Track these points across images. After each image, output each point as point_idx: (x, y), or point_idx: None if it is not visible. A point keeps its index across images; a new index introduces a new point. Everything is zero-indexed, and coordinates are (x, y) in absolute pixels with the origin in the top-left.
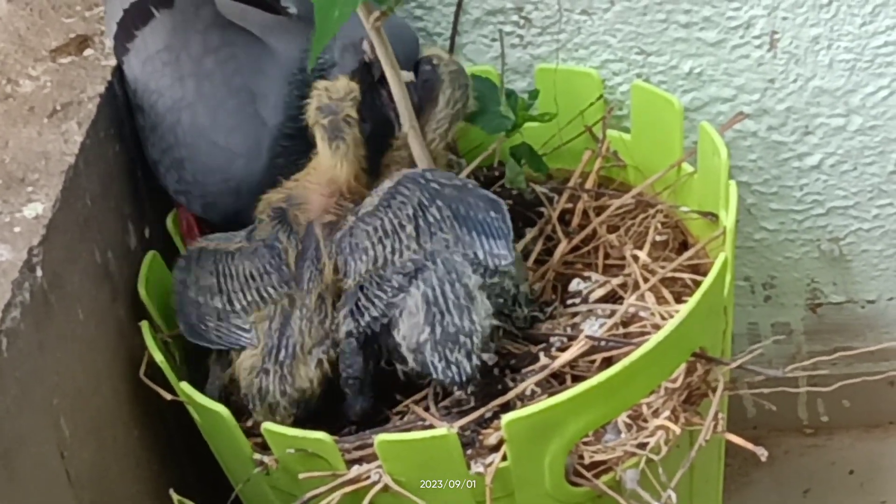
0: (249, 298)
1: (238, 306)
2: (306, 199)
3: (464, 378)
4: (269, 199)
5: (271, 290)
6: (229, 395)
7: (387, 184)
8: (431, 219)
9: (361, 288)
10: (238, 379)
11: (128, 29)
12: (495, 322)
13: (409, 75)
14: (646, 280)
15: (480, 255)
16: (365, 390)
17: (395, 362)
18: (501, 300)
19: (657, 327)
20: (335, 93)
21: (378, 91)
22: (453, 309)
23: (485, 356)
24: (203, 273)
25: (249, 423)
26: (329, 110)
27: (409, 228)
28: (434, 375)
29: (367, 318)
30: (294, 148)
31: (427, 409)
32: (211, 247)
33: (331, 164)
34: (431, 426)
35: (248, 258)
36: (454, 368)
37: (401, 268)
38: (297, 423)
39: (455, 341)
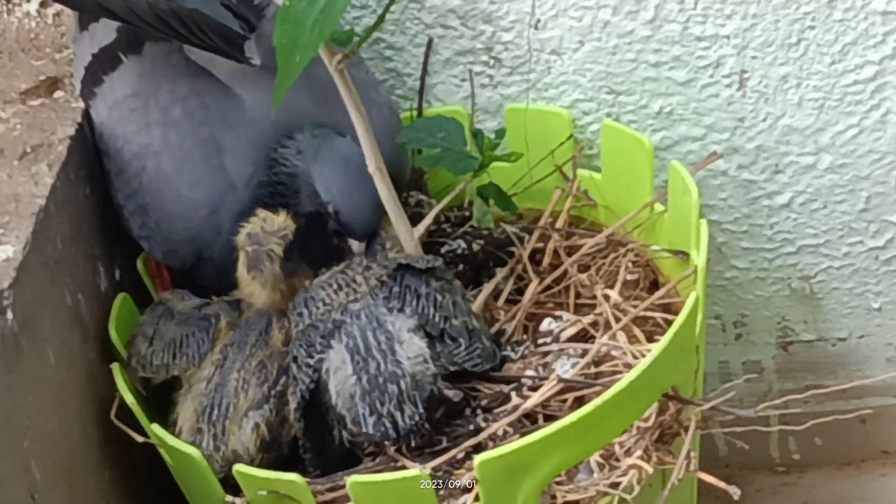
0: (160, 360)
1: (155, 363)
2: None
3: (399, 432)
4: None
5: (180, 359)
6: None
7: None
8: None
9: (295, 359)
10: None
11: (95, 73)
12: (431, 367)
13: (360, 247)
14: (617, 319)
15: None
16: (324, 461)
17: (341, 431)
18: (428, 339)
19: (629, 366)
20: (269, 225)
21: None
22: (377, 354)
23: (450, 393)
24: (149, 321)
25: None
26: (256, 240)
27: (361, 279)
28: (365, 430)
29: (302, 387)
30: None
31: (399, 449)
32: (169, 302)
33: (247, 291)
34: (403, 467)
35: (179, 324)
36: (386, 423)
37: (322, 330)
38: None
39: (383, 390)
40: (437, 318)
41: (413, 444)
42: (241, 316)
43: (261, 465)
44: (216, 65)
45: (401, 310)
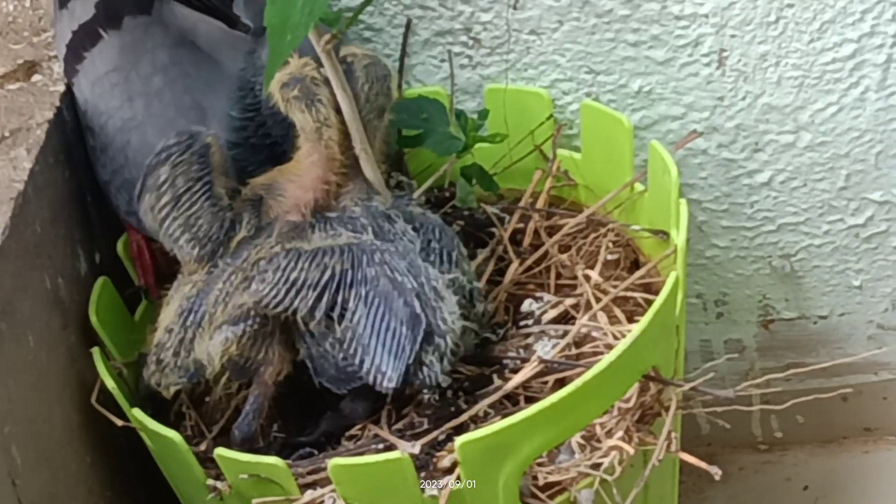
0: (176, 230)
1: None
2: (284, 190)
3: (435, 381)
4: (256, 183)
5: (191, 249)
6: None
7: (343, 237)
8: (339, 306)
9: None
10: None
11: (76, 50)
12: (464, 323)
13: None
14: (598, 300)
15: (365, 366)
16: (366, 393)
17: None
18: (461, 298)
19: (610, 347)
20: (291, 68)
21: None
22: (426, 308)
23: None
24: (186, 167)
25: (202, 448)
26: (295, 81)
27: (311, 295)
28: (408, 378)
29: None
30: (247, 157)
31: (381, 430)
32: (213, 160)
33: (315, 136)
34: (385, 448)
35: (213, 213)
36: (425, 370)
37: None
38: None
39: (430, 342)
40: (464, 281)
41: (443, 392)
42: (258, 224)
43: (223, 387)
44: (197, 33)
45: (440, 268)
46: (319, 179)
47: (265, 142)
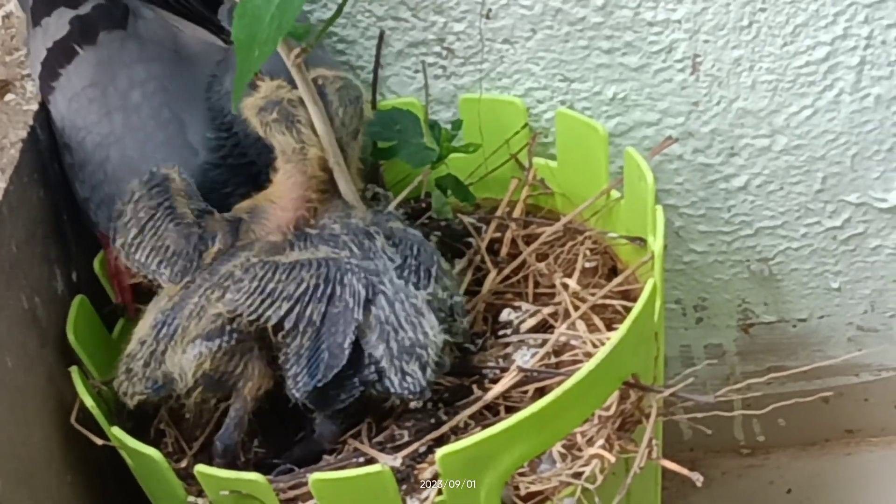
0: (144, 258)
1: (138, 256)
2: (266, 213)
3: (419, 388)
4: (238, 209)
5: (165, 269)
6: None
7: (322, 252)
8: (306, 319)
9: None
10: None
11: (52, 68)
12: (446, 337)
13: None
14: (576, 308)
15: (290, 374)
16: (336, 414)
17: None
18: (442, 313)
19: (589, 355)
20: (265, 92)
21: None
22: (406, 325)
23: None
24: (146, 201)
25: (183, 465)
26: (272, 104)
27: (284, 306)
28: (392, 390)
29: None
30: (226, 178)
31: (361, 444)
32: (173, 186)
33: (297, 157)
34: (369, 461)
35: (178, 232)
36: (409, 379)
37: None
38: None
39: (411, 353)
40: (443, 296)
41: (427, 399)
42: (234, 242)
43: (197, 400)
44: (178, 43)
45: (416, 285)
46: (301, 199)
47: (242, 161)
